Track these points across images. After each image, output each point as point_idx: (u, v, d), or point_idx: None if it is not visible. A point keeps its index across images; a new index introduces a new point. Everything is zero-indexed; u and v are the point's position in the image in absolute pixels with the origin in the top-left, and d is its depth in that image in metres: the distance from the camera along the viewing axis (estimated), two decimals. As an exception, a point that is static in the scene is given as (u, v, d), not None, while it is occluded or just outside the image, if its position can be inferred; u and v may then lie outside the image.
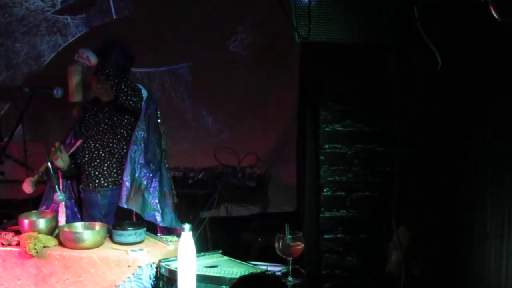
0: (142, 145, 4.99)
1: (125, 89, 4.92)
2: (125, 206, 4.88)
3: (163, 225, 4.95)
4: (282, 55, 6.33)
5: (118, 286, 4.25)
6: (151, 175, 4.98)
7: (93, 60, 4.98)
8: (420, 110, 5.13)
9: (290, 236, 4.14)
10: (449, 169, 4.81)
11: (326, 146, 5.69)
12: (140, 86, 5.09)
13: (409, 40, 4.14)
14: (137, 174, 4.93)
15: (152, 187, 4.97)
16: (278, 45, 6.28)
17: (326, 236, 5.73)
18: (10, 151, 5.20)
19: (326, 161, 5.71)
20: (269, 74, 6.43)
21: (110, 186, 5.06)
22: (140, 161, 4.96)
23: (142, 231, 4.55)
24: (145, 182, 4.94)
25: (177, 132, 6.50)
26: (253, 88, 6.47)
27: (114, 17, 6.43)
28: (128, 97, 4.94)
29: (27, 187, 4.84)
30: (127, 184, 4.89)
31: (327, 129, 5.67)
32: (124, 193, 4.88)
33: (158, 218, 4.92)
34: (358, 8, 4.57)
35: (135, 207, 4.89)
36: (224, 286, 3.90)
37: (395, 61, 3.91)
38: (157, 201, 4.94)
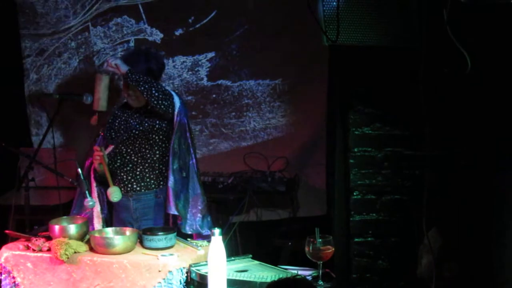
0: (178, 154, 5.03)
1: (156, 93, 4.94)
2: (175, 212, 4.95)
3: (184, 232, 4.97)
4: (311, 59, 6.32)
5: (148, 291, 4.28)
6: (182, 182, 5.02)
7: (123, 68, 5.00)
8: (450, 113, 5.11)
9: (320, 240, 4.13)
10: (480, 171, 4.78)
11: (356, 150, 5.66)
12: (172, 92, 5.11)
13: (438, 42, 4.11)
14: (179, 183, 5.01)
15: (182, 194, 5.00)
16: (306, 49, 6.27)
17: (356, 239, 5.71)
18: (40, 157, 5.24)
19: (355, 164, 5.69)
20: (298, 78, 6.42)
21: (143, 190, 5.10)
22: (176, 169, 5.02)
23: (172, 236, 4.56)
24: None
25: (207, 137, 6.51)
26: (282, 92, 6.46)
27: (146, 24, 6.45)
28: (160, 101, 4.95)
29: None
30: (171, 191, 4.95)
31: (356, 132, 5.64)
32: (172, 200, 4.93)
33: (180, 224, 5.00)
34: (387, 11, 4.56)
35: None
36: (254, 291, 3.91)
37: (424, 64, 3.88)
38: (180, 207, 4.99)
